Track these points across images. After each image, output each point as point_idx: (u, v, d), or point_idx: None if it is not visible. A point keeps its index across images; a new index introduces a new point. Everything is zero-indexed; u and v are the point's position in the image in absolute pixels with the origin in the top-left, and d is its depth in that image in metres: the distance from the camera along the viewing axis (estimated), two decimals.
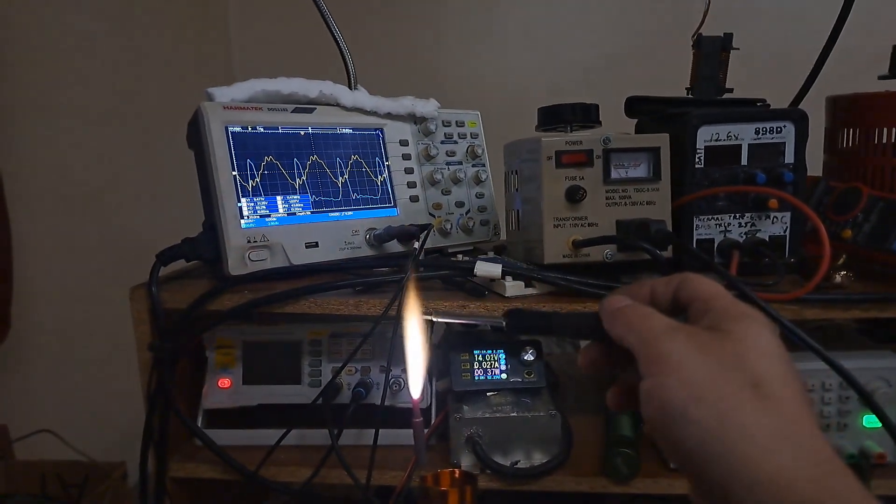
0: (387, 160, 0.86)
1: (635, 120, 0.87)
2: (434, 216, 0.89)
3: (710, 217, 0.74)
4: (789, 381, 0.33)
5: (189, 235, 0.76)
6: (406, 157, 0.88)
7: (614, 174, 0.71)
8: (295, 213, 0.78)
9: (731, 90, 0.81)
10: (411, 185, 0.88)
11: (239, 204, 0.74)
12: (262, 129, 0.77)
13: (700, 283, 0.38)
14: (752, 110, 0.76)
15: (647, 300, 0.40)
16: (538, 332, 0.46)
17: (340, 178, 0.82)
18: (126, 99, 1.29)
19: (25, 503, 1.05)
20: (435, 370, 0.81)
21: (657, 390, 0.34)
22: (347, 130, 0.84)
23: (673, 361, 0.34)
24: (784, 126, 0.73)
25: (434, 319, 0.50)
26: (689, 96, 0.81)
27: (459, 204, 0.92)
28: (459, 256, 0.88)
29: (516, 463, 0.72)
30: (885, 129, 0.76)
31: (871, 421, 0.71)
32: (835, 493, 0.30)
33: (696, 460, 0.32)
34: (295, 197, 0.78)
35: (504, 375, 0.77)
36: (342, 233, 0.80)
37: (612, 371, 0.42)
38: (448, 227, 0.89)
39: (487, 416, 0.73)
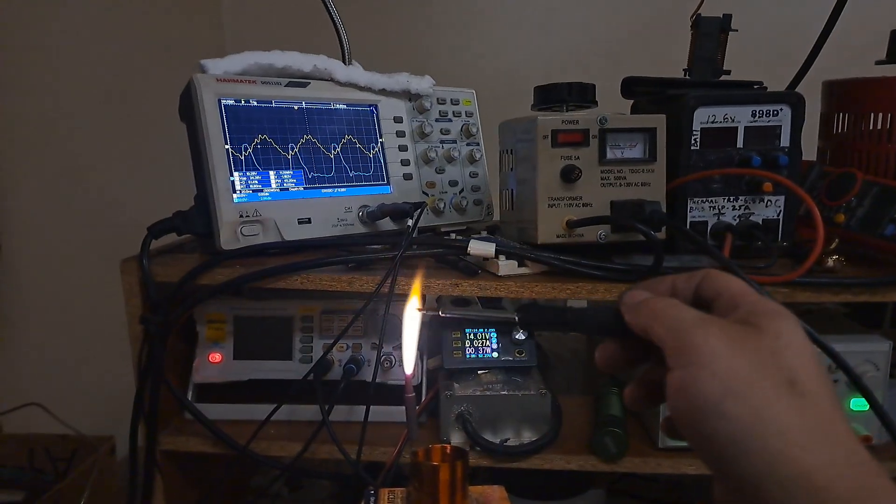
0: (381, 137, 0.86)
1: (631, 101, 0.87)
2: (427, 195, 0.88)
3: (704, 199, 0.74)
4: (823, 380, 0.33)
5: (180, 209, 0.75)
6: (400, 134, 0.87)
7: (610, 154, 0.71)
8: (288, 189, 0.77)
9: (728, 72, 0.81)
10: (405, 162, 0.87)
11: (231, 178, 0.73)
12: (255, 103, 0.76)
13: (725, 278, 0.37)
14: (749, 93, 0.76)
15: (667, 295, 0.39)
16: (552, 327, 0.46)
17: (333, 154, 0.81)
18: (114, 70, 1.26)
19: (13, 476, 1.04)
20: (426, 348, 0.81)
21: (689, 382, 0.33)
22: (341, 106, 0.83)
23: (706, 353, 0.33)
24: (781, 109, 0.73)
25: (443, 315, 0.49)
26: (687, 77, 0.81)
27: (453, 183, 0.91)
28: (452, 235, 0.87)
29: (506, 441, 0.73)
30: (881, 115, 0.76)
31: (858, 404, 0.72)
32: (872, 493, 0.29)
33: (727, 456, 0.31)
34: (288, 172, 0.78)
35: (495, 354, 0.77)
36: (335, 209, 0.79)
37: (629, 368, 0.41)
38: (441, 205, 0.88)
39: (478, 393, 0.73)
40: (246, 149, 0.75)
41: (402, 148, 0.87)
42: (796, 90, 0.79)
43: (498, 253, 0.70)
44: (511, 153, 0.78)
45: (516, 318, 0.45)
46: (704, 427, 0.32)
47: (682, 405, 0.33)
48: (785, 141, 0.74)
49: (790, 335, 0.33)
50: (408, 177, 0.87)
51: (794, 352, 0.33)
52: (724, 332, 0.33)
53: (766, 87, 0.77)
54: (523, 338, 0.76)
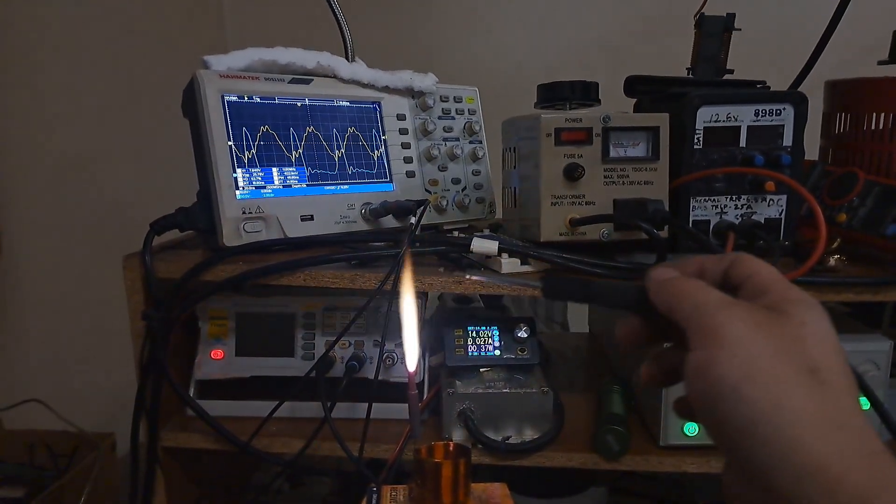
0: (383, 134, 0.86)
1: (634, 100, 0.87)
2: (430, 192, 0.88)
3: (706, 198, 0.74)
4: (844, 371, 0.32)
5: (183, 205, 0.75)
6: (403, 131, 0.87)
7: (613, 153, 0.71)
8: (291, 186, 0.77)
9: (731, 71, 0.81)
10: (408, 160, 0.87)
11: (234, 174, 0.73)
12: (258, 99, 0.76)
13: (756, 263, 0.37)
14: (752, 92, 0.76)
15: (695, 275, 0.38)
16: (575, 299, 0.45)
17: (337, 152, 0.81)
18: (116, 66, 1.26)
19: (13, 472, 1.04)
20: (428, 346, 0.81)
21: (709, 364, 0.32)
22: (344, 103, 0.83)
23: (728, 335, 0.32)
24: (783, 109, 0.73)
25: (469, 277, 0.48)
26: (690, 76, 0.81)
27: (456, 181, 0.91)
28: (455, 233, 0.87)
29: (508, 438, 0.73)
30: (883, 115, 0.77)
31: None
32: (885, 484, 0.29)
33: (742, 441, 0.31)
34: (291, 169, 0.78)
35: (497, 352, 0.77)
36: (338, 206, 0.79)
37: (649, 346, 0.41)
38: (444, 203, 0.88)
39: (480, 391, 0.73)
40: (249, 145, 0.75)
41: (405, 145, 0.87)
42: (799, 90, 0.79)
43: (501, 251, 0.70)
44: (514, 151, 0.78)
45: (540, 287, 0.44)
46: (721, 409, 0.32)
47: (699, 386, 0.33)
48: (787, 140, 0.74)
49: (815, 324, 0.33)
50: (410, 174, 0.87)
51: (818, 340, 0.33)
52: (749, 315, 0.33)
53: (769, 87, 0.78)
54: (525, 336, 0.76)
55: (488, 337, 0.77)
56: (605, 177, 0.71)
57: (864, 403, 0.66)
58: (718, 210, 0.75)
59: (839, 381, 0.32)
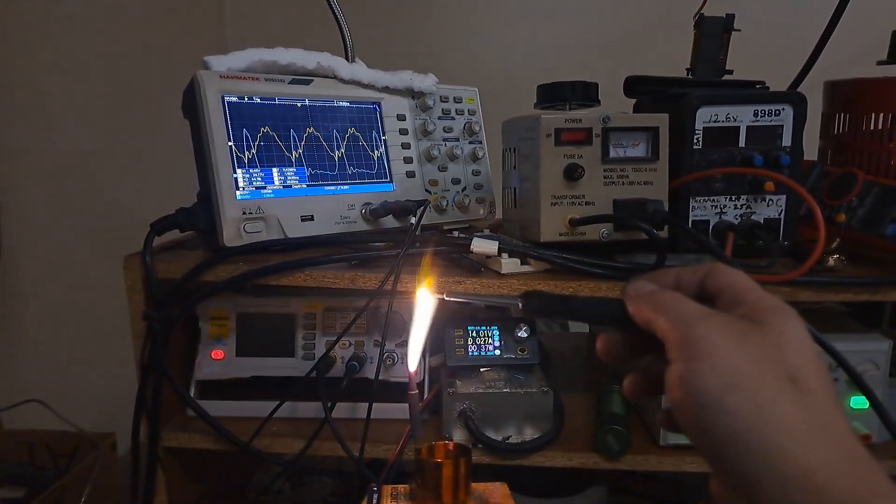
0: (384, 134, 0.86)
1: (634, 100, 0.87)
2: (430, 192, 0.88)
3: (706, 198, 0.75)
4: (824, 378, 0.33)
5: (183, 206, 0.75)
6: (403, 131, 0.87)
7: (613, 153, 0.71)
8: (291, 186, 0.77)
9: (730, 72, 0.81)
10: (408, 160, 0.87)
11: (234, 175, 0.73)
12: (258, 100, 0.76)
13: (731, 273, 0.37)
14: (751, 92, 0.76)
15: (671, 287, 0.39)
16: (556, 315, 0.45)
17: (337, 152, 0.81)
18: (116, 66, 1.26)
19: (14, 472, 1.04)
20: (428, 346, 0.81)
21: (689, 375, 0.33)
22: (344, 103, 0.83)
23: (708, 347, 0.33)
24: (783, 109, 0.73)
25: (447, 299, 0.49)
26: (689, 77, 0.81)
27: (456, 181, 0.91)
28: (455, 233, 0.88)
29: (508, 438, 0.73)
30: (882, 115, 0.77)
31: (858, 402, 0.72)
32: (870, 491, 0.29)
33: (726, 451, 0.31)
34: (291, 169, 0.78)
35: (497, 352, 0.77)
36: (338, 206, 0.79)
37: (630, 359, 0.41)
38: (444, 203, 0.88)
39: (480, 391, 0.73)
40: (249, 146, 0.75)
41: (405, 146, 0.87)
42: (798, 90, 0.79)
43: (501, 251, 0.70)
44: (514, 151, 0.78)
45: (520, 303, 0.44)
46: (704, 421, 0.32)
47: (681, 398, 0.33)
48: (787, 140, 0.74)
49: (793, 332, 0.33)
50: (411, 174, 0.87)
51: (797, 348, 0.33)
52: (727, 326, 0.33)
53: (768, 87, 0.78)
54: (526, 336, 0.77)
55: (488, 337, 0.77)
56: (604, 177, 0.71)
57: (864, 403, 0.67)
58: (718, 210, 0.75)
59: (820, 387, 0.32)
